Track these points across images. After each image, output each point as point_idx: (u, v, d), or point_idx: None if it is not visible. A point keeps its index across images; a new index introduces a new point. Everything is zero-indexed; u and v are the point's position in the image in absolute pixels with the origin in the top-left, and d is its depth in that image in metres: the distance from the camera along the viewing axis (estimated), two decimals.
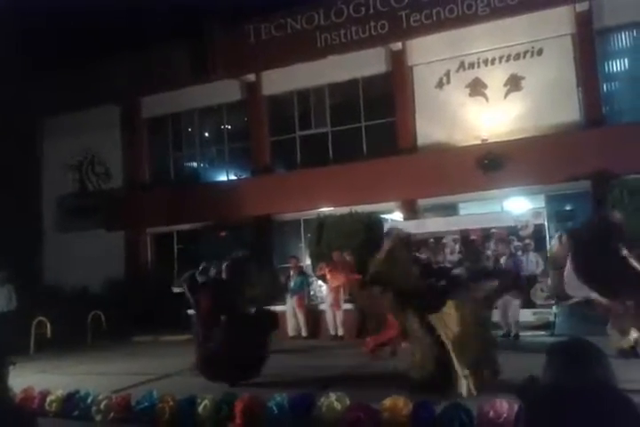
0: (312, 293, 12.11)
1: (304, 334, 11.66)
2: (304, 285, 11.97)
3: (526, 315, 9.60)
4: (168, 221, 16.18)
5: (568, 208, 13.49)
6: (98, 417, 6.62)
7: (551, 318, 9.98)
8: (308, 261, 12.42)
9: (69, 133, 18.09)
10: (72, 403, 6.87)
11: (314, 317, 11.92)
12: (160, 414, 6.39)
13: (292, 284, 11.83)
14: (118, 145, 17.96)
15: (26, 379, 7.42)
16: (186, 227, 16.18)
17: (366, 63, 15.08)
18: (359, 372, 8.12)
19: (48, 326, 12.00)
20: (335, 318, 11.26)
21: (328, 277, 11.31)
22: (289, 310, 11.71)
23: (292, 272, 12.04)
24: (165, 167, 17.86)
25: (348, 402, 5.72)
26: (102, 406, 6.69)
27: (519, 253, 9.59)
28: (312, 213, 14.34)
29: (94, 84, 17.24)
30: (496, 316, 9.30)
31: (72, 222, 17.67)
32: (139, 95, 17.58)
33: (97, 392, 6.89)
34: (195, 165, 17.91)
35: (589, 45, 13.24)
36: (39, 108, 17.96)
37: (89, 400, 6.83)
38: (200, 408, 6.22)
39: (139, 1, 17.95)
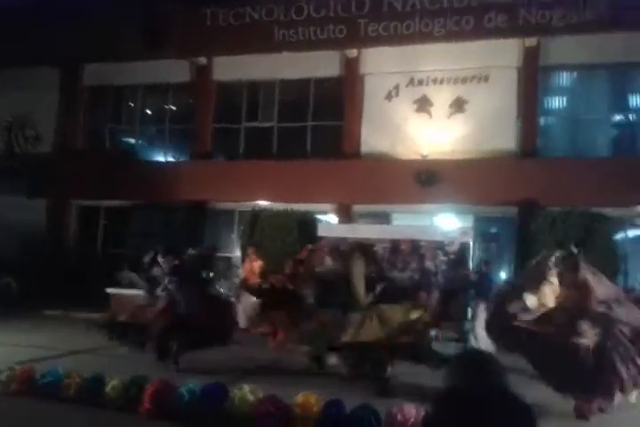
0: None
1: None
2: None
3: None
4: (97, 195, 15.66)
5: (493, 231, 14.11)
6: None
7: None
8: (238, 253, 12.36)
9: (2, 91, 17.19)
10: None
11: None
12: (65, 389, 6.25)
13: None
14: (54, 109, 17.18)
15: None
16: (115, 203, 15.70)
17: (320, 65, 15.19)
18: (274, 366, 8.20)
19: None
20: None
21: (246, 269, 11.39)
22: None
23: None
24: (100, 139, 17.27)
25: (260, 395, 5.78)
26: (4, 376, 6.48)
27: (443, 267, 9.95)
28: (248, 206, 14.32)
29: (36, 42, 16.46)
30: None
31: None
32: (83, 61, 16.93)
33: None
34: (132, 141, 17.37)
35: (532, 79, 13.82)
36: None
37: None
38: (108, 388, 6.13)
39: None
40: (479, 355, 2.70)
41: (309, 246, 10.97)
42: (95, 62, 16.78)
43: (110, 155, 16.86)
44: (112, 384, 6.13)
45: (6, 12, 16.68)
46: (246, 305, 10.82)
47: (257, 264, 11.59)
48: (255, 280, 11.10)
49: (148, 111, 17.32)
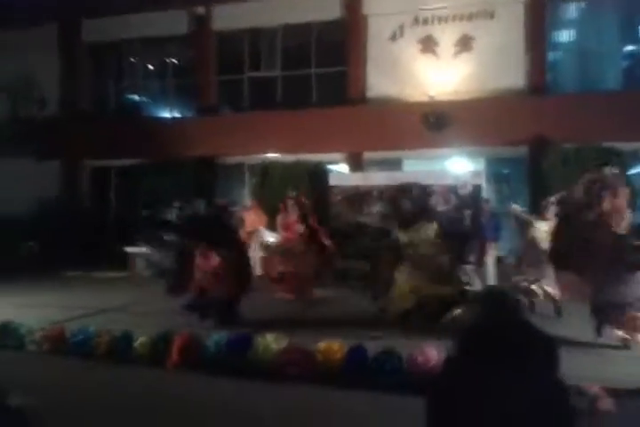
0: None
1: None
2: None
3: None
4: (106, 155, 15.68)
5: (505, 171, 14.02)
6: (31, 348, 6.65)
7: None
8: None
9: (3, 53, 16.95)
10: (5, 333, 6.84)
11: None
12: (96, 347, 6.47)
13: None
14: (56, 70, 16.94)
15: None
16: (125, 162, 15.73)
17: (322, 7, 14.76)
18: (297, 315, 8.40)
19: None
20: None
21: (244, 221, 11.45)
22: None
23: None
24: (105, 97, 17.12)
25: (284, 344, 5.96)
26: (37, 336, 6.70)
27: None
28: (257, 159, 14.28)
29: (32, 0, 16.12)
30: None
31: (2, 150, 16.81)
32: (79, 17, 16.58)
33: (31, 323, 6.88)
34: (136, 97, 17.20)
35: (540, 13, 13.38)
36: None
37: (22, 331, 6.82)
38: (137, 344, 6.33)
39: None
40: (498, 292, 2.80)
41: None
42: (93, 18, 16.40)
43: (116, 113, 16.76)
44: (140, 341, 6.32)
45: None
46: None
47: (262, 219, 11.59)
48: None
49: (150, 66, 17.05)
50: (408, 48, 14.23)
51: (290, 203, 9.70)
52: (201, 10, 15.62)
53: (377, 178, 11.77)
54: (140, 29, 16.07)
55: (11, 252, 12.63)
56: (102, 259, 12.93)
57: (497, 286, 7.74)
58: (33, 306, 8.80)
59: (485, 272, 9.68)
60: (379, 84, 14.33)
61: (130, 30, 16.15)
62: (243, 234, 10.43)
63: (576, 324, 6.95)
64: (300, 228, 9.46)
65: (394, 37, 14.41)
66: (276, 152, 14.21)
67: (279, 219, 9.87)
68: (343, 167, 14.40)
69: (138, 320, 7.70)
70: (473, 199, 10.44)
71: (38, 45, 16.69)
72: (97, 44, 16.96)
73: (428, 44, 14.17)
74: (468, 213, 10.41)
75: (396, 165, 14.13)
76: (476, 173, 11.27)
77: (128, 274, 12.62)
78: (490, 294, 2.79)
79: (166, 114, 16.57)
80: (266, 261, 10.41)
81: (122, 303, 9.19)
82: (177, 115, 16.48)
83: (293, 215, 9.57)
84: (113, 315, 8.35)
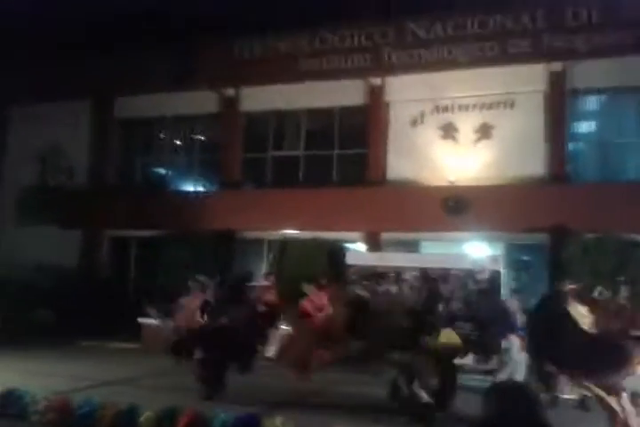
0: None
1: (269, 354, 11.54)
2: None
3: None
4: (128, 226, 15.92)
5: (525, 258, 13.92)
6: (34, 418, 6.49)
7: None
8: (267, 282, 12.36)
9: (37, 125, 17.73)
10: (9, 400, 6.71)
11: None
12: (100, 420, 6.30)
13: None
14: (86, 142, 17.63)
15: None
16: (146, 233, 15.96)
17: (345, 93, 15.34)
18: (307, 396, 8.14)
19: None
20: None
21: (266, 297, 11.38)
22: None
23: None
24: (132, 170, 17.65)
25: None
26: (40, 406, 6.56)
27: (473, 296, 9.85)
28: (276, 235, 14.41)
29: (69, 77, 17.06)
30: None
31: (29, 216, 17.19)
32: (113, 94, 17.43)
33: (36, 392, 6.75)
34: (162, 171, 17.74)
35: (560, 104, 13.73)
36: (8, 96, 17.59)
37: (26, 399, 6.69)
38: (142, 419, 6.16)
39: (131, 1, 17.94)
40: (515, 385, 2.70)
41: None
42: (125, 95, 17.22)
43: (141, 186, 17.22)
44: (146, 415, 6.16)
45: (39, 47, 17.33)
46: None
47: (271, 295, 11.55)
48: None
49: (178, 142, 17.66)
50: (428, 134, 14.60)
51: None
52: (230, 91, 16.33)
53: (394, 258, 11.74)
54: (171, 108, 16.81)
55: (26, 319, 12.59)
56: (118, 329, 12.80)
57: (512, 379, 7.39)
58: (40, 374, 8.68)
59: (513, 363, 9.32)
60: (399, 166, 14.62)
61: (161, 108, 16.90)
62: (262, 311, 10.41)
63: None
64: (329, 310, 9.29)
65: (414, 123, 14.83)
66: (295, 229, 14.33)
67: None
68: (361, 246, 14.43)
69: (145, 394, 7.52)
70: (491, 285, 10.30)
71: (70, 118, 17.55)
72: (127, 120, 17.70)
73: (449, 131, 14.54)
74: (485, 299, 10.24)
75: (413, 246, 14.15)
76: (494, 259, 11.17)
77: (141, 346, 12.44)
78: (503, 388, 2.69)
79: (190, 188, 16.95)
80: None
81: (131, 376, 9.00)
82: (200, 189, 16.82)
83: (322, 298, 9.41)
84: (120, 388, 8.17)
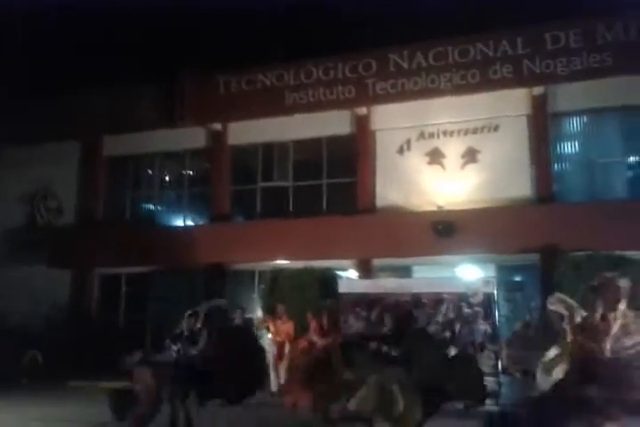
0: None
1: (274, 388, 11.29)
2: None
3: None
4: (118, 263, 15.80)
5: (517, 279, 13.90)
6: None
7: (496, 388, 10.05)
8: (259, 314, 12.28)
9: (24, 165, 17.75)
10: None
11: None
12: None
13: None
14: (74, 181, 17.67)
15: None
16: (136, 269, 15.84)
17: (332, 124, 15.52)
18: None
19: None
20: (278, 373, 11.06)
21: (272, 329, 11.26)
22: None
23: None
24: (121, 207, 17.61)
25: None
26: None
27: (469, 319, 9.76)
28: (267, 265, 14.35)
29: (58, 118, 17.15)
30: None
31: (18, 256, 17.06)
32: (102, 134, 17.52)
33: None
34: (152, 207, 17.71)
35: (543, 126, 13.95)
36: None
37: None
38: None
39: (113, 41, 18.26)
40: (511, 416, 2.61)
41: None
42: (114, 134, 17.32)
43: (131, 222, 17.16)
44: None
45: (25, 90, 17.50)
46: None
47: (290, 326, 11.44)
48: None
49: (167, 177, 17.71)
50: (415, 160, 14.75)
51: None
52: (217, 126, 16.47)
53: (386, 284, 11.67)
54: (159, 144, 16.92)
55: (14, 361, 12.35)
56: (109, 368, 12.56)
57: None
58: (31, 419, 8.45)
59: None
60: (387, 193, 14.72)
61: (149, 145, 17.00)
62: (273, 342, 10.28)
63: None
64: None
65: (401, 151, 14.99)
66: (286, 259, 14.29)
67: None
68: (352, 273, 14.38)
69: None
70: (485, 308, 10.22)
71: (61, 159, 17.60)
72: (116, 158, 17.73)
73: (435, 157, 14.69)
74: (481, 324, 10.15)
75: (405, 271, 14.12)
76: (486, 281, 11.10)
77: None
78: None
79: (180, 222, 16.93)
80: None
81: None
82: (190, 223, 16.81)
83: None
84: None
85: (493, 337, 10.15)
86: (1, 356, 11.96)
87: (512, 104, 14.25)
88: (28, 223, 17.85)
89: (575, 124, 14.50)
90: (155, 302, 14.17)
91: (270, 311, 12.02)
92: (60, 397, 10.83)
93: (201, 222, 16.60)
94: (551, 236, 12.20)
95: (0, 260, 17.44)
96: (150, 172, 17.71)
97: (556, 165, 14.08)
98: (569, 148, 14.52)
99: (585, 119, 14.41)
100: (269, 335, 11.49)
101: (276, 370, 11.05)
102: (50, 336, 13.94)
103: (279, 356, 11.09)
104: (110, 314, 16.22)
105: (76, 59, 18.18)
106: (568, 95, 13.89)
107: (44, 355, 12.72)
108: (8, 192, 18.06)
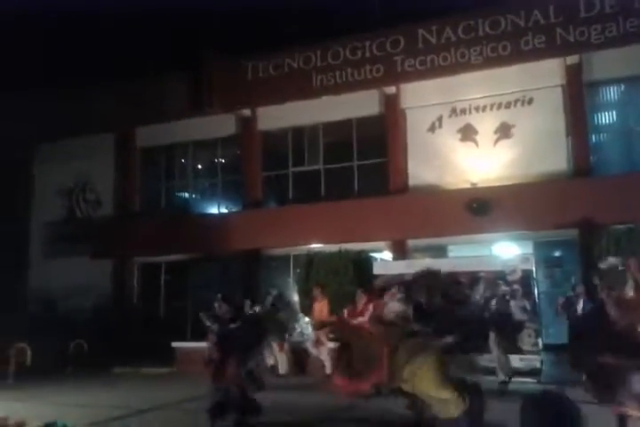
0: (299, 329, 11.88)
1: (282, 371, 11.40)
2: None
3: (514, 361, 9.53)
4: (157, 252, 16.09)
5: (556, 255, 13.62)
6: None
7: (538, 365, 9.93)
8: (296, 297, 12.33)
9: (62, 159, 18.18)
10: None
11: (299, 354, 11.75)
12: None
13: None
14: (111, 173, 18.01)
15: (2, 407, 7.28)
16: (174, 258, 16.09)
17: (361, 105, 15.34)
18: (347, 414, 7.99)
19: (28, 353, 11.78)
20: (321, 356, 11.12)
21: (315, 311, 11.35)
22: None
23: None
24: (156, 197, 17.89)
25: None
26: None
27: (507, 297, 9.60)
28: (301, 249, 14.38)
29: (90, 111, 17.41)
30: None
31: (59, 249, 17.54)
32: (134, 125, 17.74)
33: (74, 424, 6.78)
34: (186, 196, 17.94)
35: (579, 97, 13.54)
36: (33, 134, 18.05)
37: None
38: None
39: (140, 31, 18.35)
40: (554, 395, 2.52)
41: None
42: (146, 125, 17.52)
43: (166, 211, 17.42)
44: None
45: (59, 85, 17.80)
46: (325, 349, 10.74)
47: (324, 304, 11.49)
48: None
49: (199, 166, 17.87)
50: (447, 138, 14.50)
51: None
52: (247, 112, 16.47)
53: (422, 265, 11.51)
54: (190, 133, 17.04)
55: (60, 350, 12.74)
56: (151, 354, 12.87)
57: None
58: (78, 405, 8.72)
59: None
60: (420, 173, 14.53)
61: (180, 135, 17.14)
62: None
63: None
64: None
65: (433, 128, 14.75)
66: (320, 243, 14.29)
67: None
68: (387, 255, 14.31)
69: (182, 417, 7.47)
70: (523, 285, 10.03)
71: (95, 151, 17.95)
72: (149, 149, 17.98)
73: (468, 133, 14.41)
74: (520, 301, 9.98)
75: (441, 251, 13.99)
76: (524, 258, 10.90)
77: (175, 369, 12.46)
78: (540, 400, 2.52)
79: (214, 210, 17.09)
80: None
81: (167, 401, 9.01)
82: (224, 210, 16.96)
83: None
84: (156, 413, 8.16)
85: (533, 315, 9.99)
86: (48, 346, 12.34)
87: (546, 75, 13.86)
88: (67, 216, 18.30)
89: (612, 92, 14.05)
90: (193, 289, 14.39)
91: (307, 295, 12.09)
92: (105, 383, 11.11)
93: (235, 209, 16.71)
94: (589, 210, 11.89)
95: (42, 253, 17.99)
96: (183, 161, 17.88)
97: (593, 137, 13.70)
98: (606, 118, 14.09)
99: (622, 87, 13.97)
100: (306, 319, 11.61)
101: (319, 354, 11.11)
102: (94, 325, 14.33)
103: (317, 340, 11.16)
104: (151, 302, 16.59)
105: (107, 51, 18.34)
106: (604, 63, 13.44)
107: (88, 343, 13.07)
108: (47, 186, 18.52)
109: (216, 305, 7.69)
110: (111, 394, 9.93)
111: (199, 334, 9.44)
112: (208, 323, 7.69)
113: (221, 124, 16.75)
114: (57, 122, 17.69)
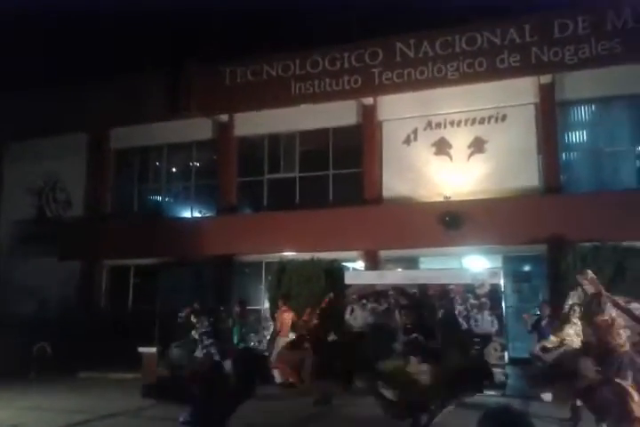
0: (266, 337, 11.89)
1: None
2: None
3: None
4: (126, 255, 15.91)
5: (525, 269, 13.85)
6: None
7: (503, 378, 10.07)
8: (266, 305, 12.33)
9: (33, 158, 17.91)
10: None
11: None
12: None
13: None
14: (83, 173, 17.76)
15: None
16: (144, 261, 15.92)
17: (338, 114, 15.43)
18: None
19: None
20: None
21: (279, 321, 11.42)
22: None
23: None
24: (129, 199, 17.70)
25: None
26: None
27: (474, 311, 9.74)
28: (274, 257, 14.37)
29: (64, 111, 17.20)
30: None
31: (26, 249, 17.23)
32: (109, 126, 17.56)
33: None
34: (159, 199, 17.79)
35: (551, 115, 13.81)
36: (4, 132, 17.76)
37: None
38: None
39: (119, 32, 18.24)
40: (509, 410, 2.59)
41: (331, 295, 10.92)
42: (121, 126, 17.36)
43: (138, 214, 17.24)
44: None
45: (33, 84, 17.55)
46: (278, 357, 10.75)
47: (288, 316, 11.56)
48: (286, 332, 11.09)
49: (174, 169, 17.75)
50: (422, 151, 14.67)
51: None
52: (224, 117, 16.45)
53: (393, 276, 11.67)
54: (166, 136, 16.93)
55: (23, 353, 12.47)
56: (117, 359, 12.69)
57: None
58: (40, 409, 8.57)
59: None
60: (394, 184, 14.67)
61: (156, 137, 17.02)
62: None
63: None
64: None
65: (408, 141, 14.92)
66: (293, 250, 14.29)
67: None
68: (359, 265, 14.38)
69: (145, 425, 7.40)
70: (491, 299, 10.19)
71: (67, 150, 17.71)
72: (124, 150, 17.80)
73: (442, 147, 14.60)
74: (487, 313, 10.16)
75: (412, 262, 14.11)
76: (492, 272, 11.06)
77: (140, 375, 12.30)
78: (496, 415, 2.59)
79: (187, 214, 16.98)
80: None
81: (130, 407, 8.89)
82: (198, 215, 16.86)
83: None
84: (119, 419, 8.07)
85: (500, 328, 10.15)
86: (10, 348, 12.07)
87: (520, 93, 14.12)
88: (37, 216, 18.00)
89: (583, 112, 14.37)
90: (163, 293, 14.25)
91: (277, 302, 12.11)
92: (69, 387, 10.95)
93: (208, 214, 16.62)
94: (558, 226, 12.11)
95: (9, 252, 17.64)
96: (157, 164, 17.75)
97: (563, 155, 13.98)
98: (577, 137, 14.41)
99: (593, 108, 14.29)
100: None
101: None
102: (59, 328, 14.07)
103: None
104: (119, 305, 16.36)
105: (82, 50, 18.16)
106: (576, 83, 13.74)
107: (53, 347, 12.83)
108: (16, 185, 18.20)
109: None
110: (75, 399, 9.79)
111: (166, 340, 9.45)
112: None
113: (198, 128, 16.69)
114: (29, 121, 17.41)
